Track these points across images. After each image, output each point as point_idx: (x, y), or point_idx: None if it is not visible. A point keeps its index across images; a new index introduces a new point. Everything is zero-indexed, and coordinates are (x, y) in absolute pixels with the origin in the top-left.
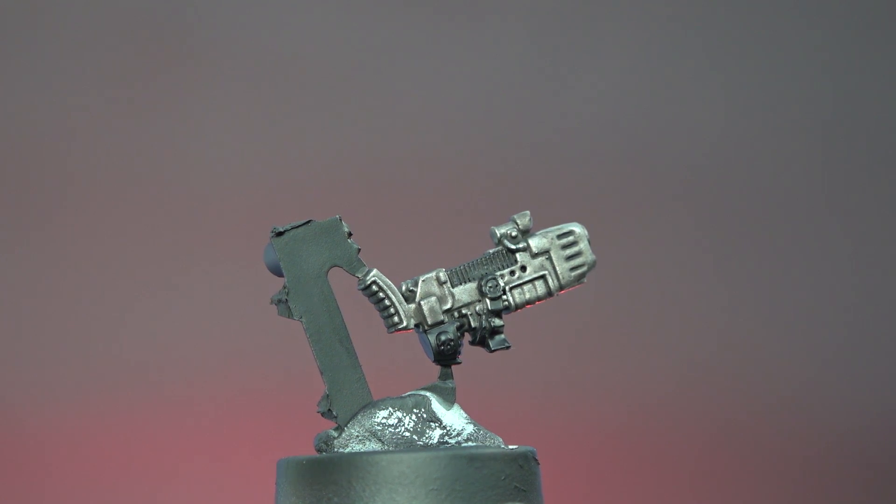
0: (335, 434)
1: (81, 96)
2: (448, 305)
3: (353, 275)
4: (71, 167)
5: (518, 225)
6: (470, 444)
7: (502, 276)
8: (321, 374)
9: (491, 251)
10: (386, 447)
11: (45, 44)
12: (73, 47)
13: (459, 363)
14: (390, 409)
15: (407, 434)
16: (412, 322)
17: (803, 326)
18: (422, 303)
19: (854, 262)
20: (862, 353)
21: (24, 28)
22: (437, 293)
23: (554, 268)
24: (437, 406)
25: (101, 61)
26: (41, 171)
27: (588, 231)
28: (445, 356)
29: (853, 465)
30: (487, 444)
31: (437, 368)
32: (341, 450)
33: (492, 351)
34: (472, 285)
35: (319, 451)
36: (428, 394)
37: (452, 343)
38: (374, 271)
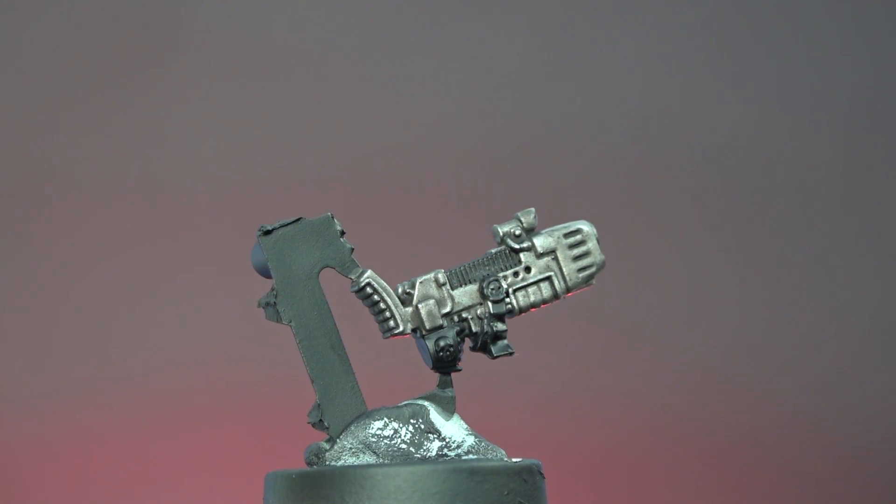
0: (327, 446)
1: (63, 93)
2: (447, 309)
3: (346, 276)
4: (53, 166)
5: (522, 223)
6: (471, 456)
7: (505, 277)
8: (312, 382)
9: (493, 251)
10: (381, 460)
11: (25, 38)
12: (53, 41)
13: (459, 370)
14: (386, 419)
15: (403, 446)
16: (409, 327)
17: (821, 329)
18: (419, 306)
19: (874, 260)
20: (884, 357)
21: (4, 22)
22: (436, 296)
23: (560, 269)
24: (435, 416)
25: (81, 55)
26: (23, 171)
27: (597, 230)
28: (444, 363)
29: (874, 475)
30: (489, 456)
31: (435, 376)
32: (333, 463)
33: (494, 357)
34: (473, 287)
35: (310, 464)
36: (426, 403)
37: (452, 349)
38: (369, 272)
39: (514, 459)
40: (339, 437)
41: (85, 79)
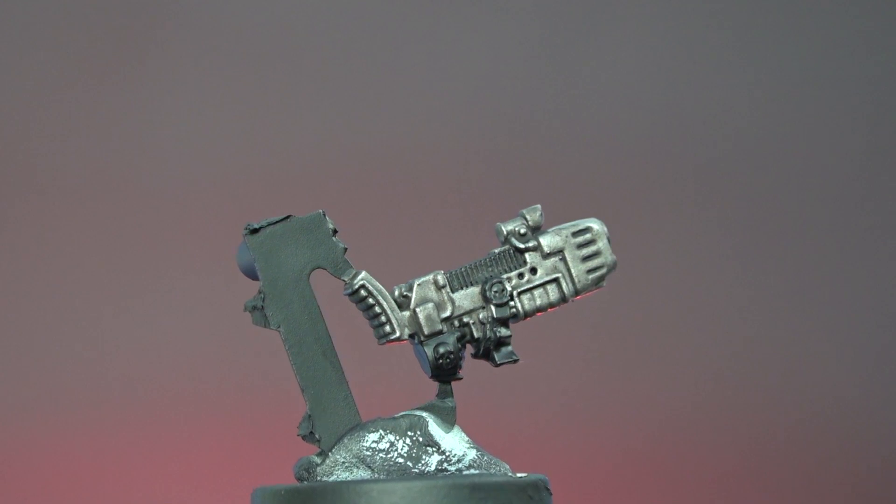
0: (318, 460)
1: (41, 87)
2: (447, 313)
3: (339, 278)
4: (31, 163)
5: (527, 221)
6: (472, 471)
7: (509, 279)
8: (302, 391)
9: (496, 251)
10: (376, 475)
11: None
12: (30, 32)
13: (460, 379)
14: (381, 431)
15: (400, 460)
16: (406, 332)
17: (843, 333)
18: (417, 310)
19: None
20: None
21: None
22: (435, 299)
23: (568, 270)
24: (434, 428)
25: (59, 47)
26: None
27: (607, 228)
28: (444, 371)
29: None
30: (492, 471)
31: (434, 385)
32: (325, 478)
33: (497, 365)
34: (475, 290)
35: (300, 479)
36: (424, 414)
37: (452, 356)
38: (363, 274)
39: (518, 474)
40: (331, 451)
41: (64, 72)
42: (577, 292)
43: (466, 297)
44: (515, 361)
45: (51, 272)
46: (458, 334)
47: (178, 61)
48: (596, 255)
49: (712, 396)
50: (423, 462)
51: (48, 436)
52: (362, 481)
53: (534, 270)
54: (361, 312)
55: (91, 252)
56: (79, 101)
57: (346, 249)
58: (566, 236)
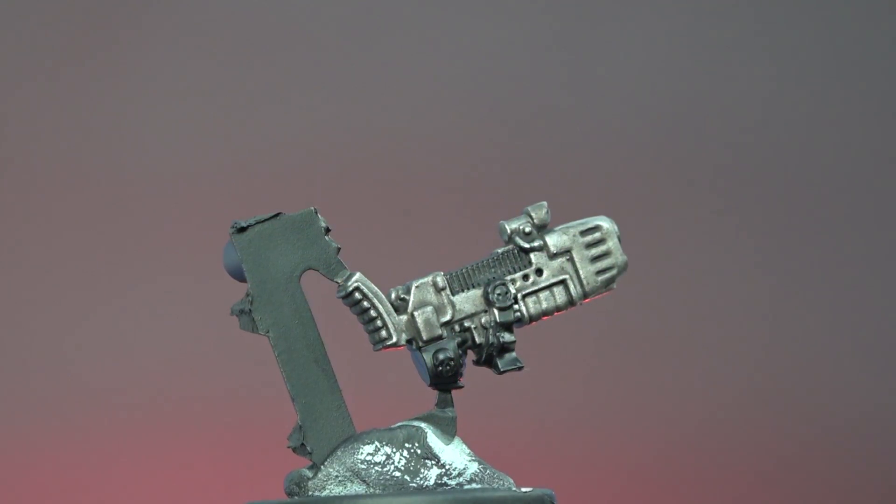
0: (310, 474)
1: (14, 73)
2: (447, 317)
3: (332, 279)
4: (3, 156)
5: (533, 219)
6: (474, 485)
7: (513, 281)
8: (292, 400)
9: (500, 251)
10: (372, 490)
11: None
12: (10, 15)
13: (461, 387)
14: (377, 443)
15: (397, 474)
16: (403, 337)
17: (869, 338)
18: (415, 314)
19: None
20: None
21: None
22: (434, 302)
23: (576, 271)
24: (433, 440)
25: (33, 30)
26: None
27: (618, 227)
28: (444, 379)
29: None
30: (495, 485)
31: (433, 394)
32: (317, 493)
33: (500, 372)
34: (477, 292)
35: (291, 494)
36: (423, 425)
37: (452, 363)
38: (357, 275)
39: (523, 489)
40: (323, 464)
41: (38, 57)
42: (585, 295)
43: (468, 300)
44: (520, 369)
45: (29, 269)
46: (458, 340)
47: (164, 52)
48: (605, 255)
49: (729, 406)
50: (421, 476)
51: (41, 441)
52: (356, 496)
53: (539, 272)
54: (356, 316)
55: (79, 251)
56: (60, 91)
57: (339, 249)
58: (574, 235)
